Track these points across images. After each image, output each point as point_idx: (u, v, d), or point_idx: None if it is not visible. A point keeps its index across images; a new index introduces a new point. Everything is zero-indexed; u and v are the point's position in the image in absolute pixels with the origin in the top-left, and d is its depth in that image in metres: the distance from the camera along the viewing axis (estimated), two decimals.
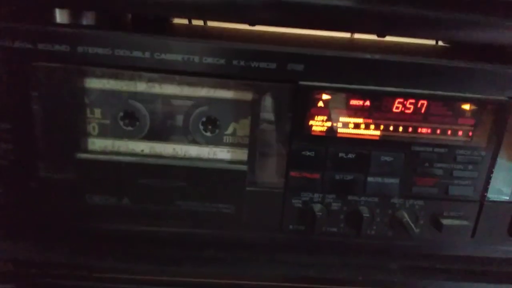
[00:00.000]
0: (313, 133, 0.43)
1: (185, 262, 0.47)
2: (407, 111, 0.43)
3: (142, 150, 0.45)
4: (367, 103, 0.43)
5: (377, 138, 0.44)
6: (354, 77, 0.42)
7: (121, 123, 0.44)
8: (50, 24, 0.42)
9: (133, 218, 0.46)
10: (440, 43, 0.68)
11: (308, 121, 0.43)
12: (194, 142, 0.45)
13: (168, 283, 0.46)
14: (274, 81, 0.42)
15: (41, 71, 0.41)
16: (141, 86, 0.43)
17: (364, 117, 0.43)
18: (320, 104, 0.42)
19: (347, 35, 0.76)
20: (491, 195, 0.46)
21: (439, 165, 0.44)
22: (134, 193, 0.44)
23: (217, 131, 0.45)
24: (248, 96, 0.43)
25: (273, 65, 0.41)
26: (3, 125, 0.42)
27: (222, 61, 0.40)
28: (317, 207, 0.45)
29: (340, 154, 0.44)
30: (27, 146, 0.43)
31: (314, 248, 0.49)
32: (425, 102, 0.43)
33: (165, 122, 0.45)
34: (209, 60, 0.40)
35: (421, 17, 0.41)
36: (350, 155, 0.44)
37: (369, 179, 0.44)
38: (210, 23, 0.72)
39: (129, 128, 0.45)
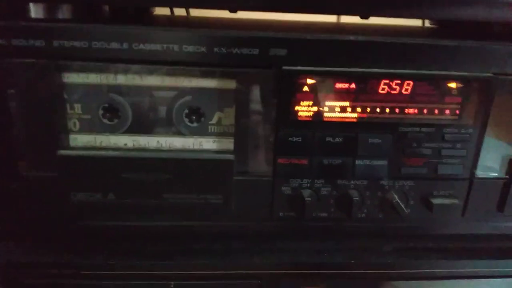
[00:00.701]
0: (299, 118, 0.43)
1: (176, 255, 0.46)
2: (393, 92, 0.42)
3: (125, 144, 0.44)
4: (353, 85, 0.42)
5: (364, 120, 0.43)
6: (338, 60, 0.41)
7: (103, 117, 0.43)
8: (23, 19, 0.40)
9: (120, 214, 0.45)
10: (427, 24, 0.67)
11: (294, 107, 0.42)
12: (179, 133, 0.44)
13: (159, 277, 0.46)
14: (257, 67, 0.41)
15: (17, 67, 0.39)
16: (121, 79, 0.42)
17: (350, 100, 0.42)
18: (305, 89, 0.42)
19: (332, 19, 0.76)
20: (480, 172, 0.46)
21: (427, 144, 0.44)
22: (119, 188, 0.43)
23: (201, 121, 0.44)
24: (231, 84, 0.42)
25: (255, 51, 0.40)
26: None
27: (203, 49, 0.39)
28: (306, 193, 0.44)
29: (328, 139, 0.43)
30: (6, 145, 0.41)
31: (305, 234, 0.49)
32: (411, 82, 0.42)
33: (148, 114, 0.44)
34: (190, 48, 0.39)
35: None
36: (337, 139, 0.43)
37: (358, 162, 0.44)
38: (193, 13, 0.71)
39: (111, 122, 0.44)
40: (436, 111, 0.43)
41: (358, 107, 0.43)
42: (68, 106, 0.43)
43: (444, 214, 0.47)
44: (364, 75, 0.42)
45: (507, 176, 0.46)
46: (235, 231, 0.47)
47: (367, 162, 0.44)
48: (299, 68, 0.41)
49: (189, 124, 0.44)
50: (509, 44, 0.42)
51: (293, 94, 0.42)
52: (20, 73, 0.39)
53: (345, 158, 0.44)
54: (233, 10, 0.46)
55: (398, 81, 0.42)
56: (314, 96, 0.42)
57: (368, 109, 0.43)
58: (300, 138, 0.43)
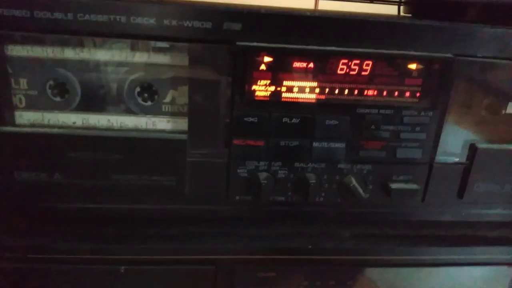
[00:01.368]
0: (256, 98, 0.41)
1: (126, 239, 0.45)
2: (352, 72, 0.41)
3: (74, 122, 0.42)
4: (311, 65, 0.41)
5: (322, 101, 0.42)
6: (296, 36, 0.40)
7: (50, 93, 0.41)
8: None
9: (68, 195, 0.43)
10: (402, 13, 0.66)
11: (250, 86, 0.41)
12: (131, 112, 0.43)
13: (109, 262, 0.44)
14: (210, 43, 0.39)
15: None
16: (68, 53, 0.40)
17: (308, 80, 0.41)
18: (262, 67, 0.40)
19: (311, 6, 0.74)
20: (440, 157, 0.45)
21: (385, 127, 0.43)
22: (66, 168, 0.41)
23: (155, 99, 0.42)
24: (184, 60, 0.41)
25: (208, 25, 0.38)
26: None
27: (152, 21, 0.38)
28: (262, 176, 0.43)
29: (284, 119, 0.42)
30: None
31: (262, 218, 0.48)
32: (370, 63, 0.41)
33: (98, 91, 0.42)
34: (138, 20, 0.37)
35: None
36: (294, 120, 0.42)
37: (315, 144, 0.43)
38: None
39: (59, 99, 0.42)
40: (396, 93, 0.42)
41: (316, 87, 0.41)
42: (12, 80, 0.40)
43: (403, 200, 0.46)
44: (321, 53, 0.40)
45: (467, 162, 0.46)
46: (189, 215, 0.45)
47: (325, 144, 0.43)
48: (254, 44, 0.39)
49: (141, 102, 0.42)
50: (470, 24, 0.41)
51: (249, 72, 0.40)
52: None
53: (302, 139, 0.43)
54: None
55: (357, 61, 0.41)
56: (271, 75, 0.41)
57: (326, 90, 0.41)
58: (256, 118, 0.42)
